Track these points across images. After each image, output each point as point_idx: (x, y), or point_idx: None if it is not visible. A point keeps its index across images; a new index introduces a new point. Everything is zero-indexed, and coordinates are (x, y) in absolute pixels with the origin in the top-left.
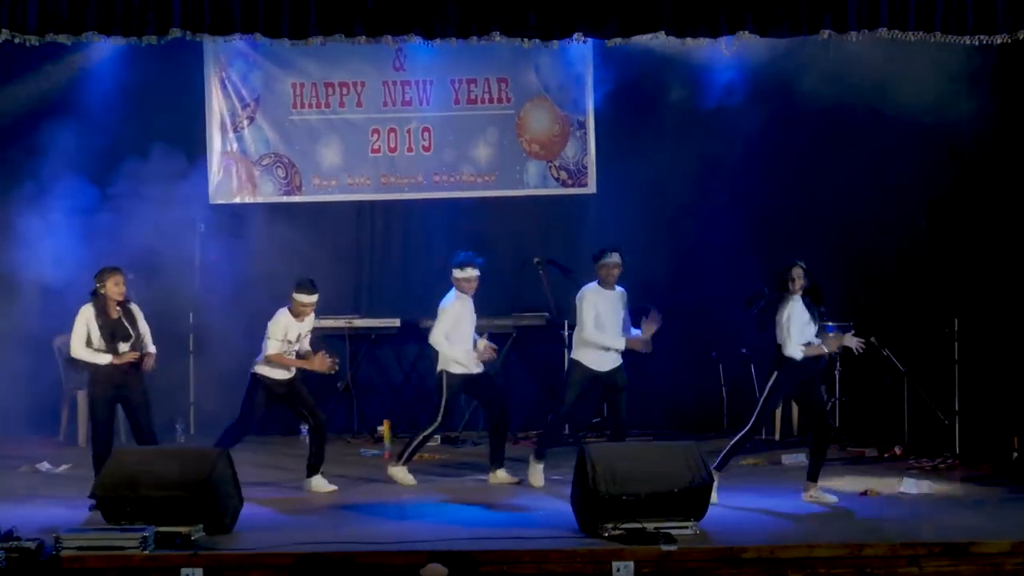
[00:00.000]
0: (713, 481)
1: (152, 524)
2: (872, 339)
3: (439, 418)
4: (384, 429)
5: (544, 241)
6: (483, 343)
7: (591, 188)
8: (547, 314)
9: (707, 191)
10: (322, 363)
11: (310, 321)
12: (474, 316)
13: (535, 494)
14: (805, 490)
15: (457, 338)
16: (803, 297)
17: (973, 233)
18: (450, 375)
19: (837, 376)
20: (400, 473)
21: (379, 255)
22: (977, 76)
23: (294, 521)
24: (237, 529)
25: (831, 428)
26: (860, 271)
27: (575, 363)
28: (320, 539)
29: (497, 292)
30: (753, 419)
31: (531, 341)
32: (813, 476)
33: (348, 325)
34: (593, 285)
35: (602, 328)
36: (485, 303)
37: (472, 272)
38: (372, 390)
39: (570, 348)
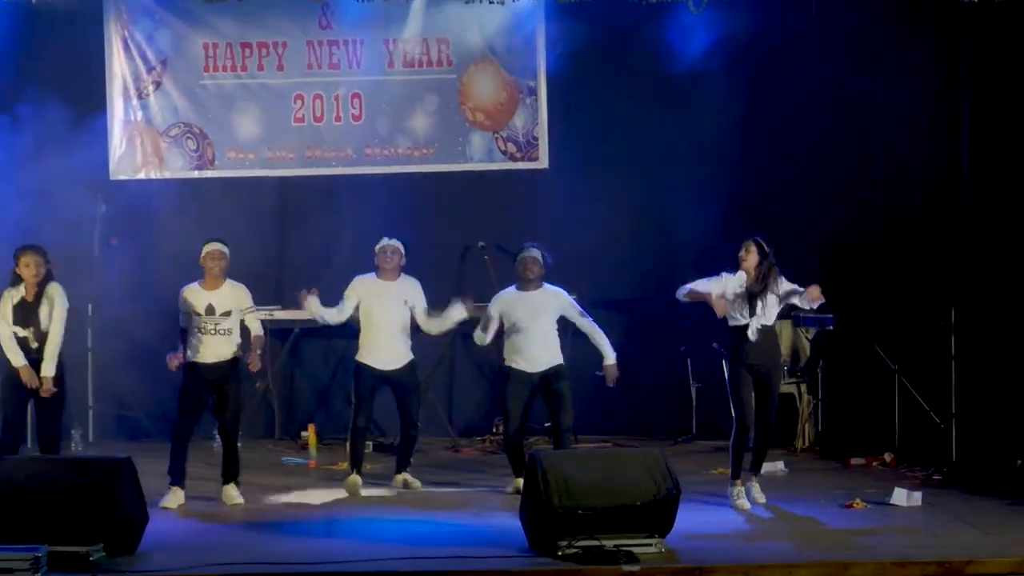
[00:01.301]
0: (680, 493)
1: (45, 543)
2: (861, 334)
3: (352, 413)
4: (309, 435)
5: (490, 223)
6: None
7: (543, 163)
8: None
9: (675, 168)
10: (254, 358)
11: (230, 295)
12: (402, 305)
13: (482, 507)
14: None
15: (366, 325)
16: (761, 277)
17: (973, 215)
18: (359, 366)
19: (820, 374)
20: (403, 478)
21: (303, 239)
22: (978, 41)
23: (206, 538)
24: (142, 548)
25: (770, 427)
26: (846, 257)
27: (508, 371)
28: (235, 559)
29: (437, 281)
30: (734, 417)
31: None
32: (754, 468)
33: (268, 317)
34: (510, 288)
35: (521, 332)
36: (423, 293)
37: (385, 242)
38: (295, 391)
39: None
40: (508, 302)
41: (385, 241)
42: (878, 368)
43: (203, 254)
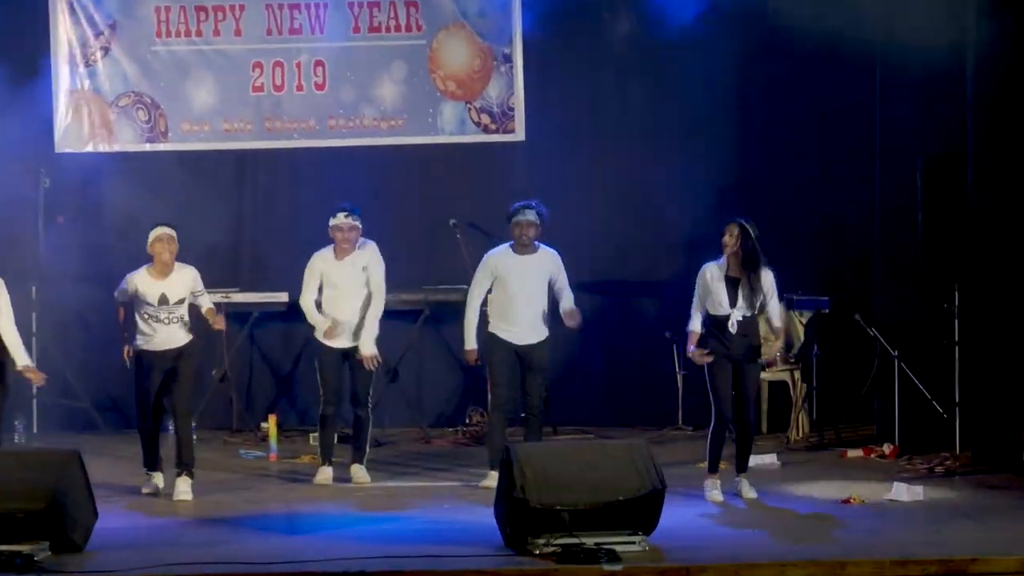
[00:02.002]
0: (665, 487)
1: None
2: (857, 316)
3: (321, 397)
4: (269, 426)
5: (463, 199)
6: (367, 352)
7: (519, 135)
8: (466, 287)
9: (661, 140)
10: (215, 319)
11: (181, 282)
12: (360, 273)
13: (455, 502)
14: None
15: (327, 303)
16: (744, 263)
17: (977, 191)
18: (318, 346)
19: (814, 361)
20: (359, 472)
21: (263, 216)
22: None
23: (160, 536)
24: (90, 547)
25: (749, 424)
26: (843, 235)
27: (491, 338)
28: (190, 559)
29: (405, 261)
30: (713, 410)
31: (448, 319)
32: (739, 468)
33: (225, 300)
34: (503, 247)
35: (511, 298)
36: (391, 274)
37: (342, 219)
38: (254, 378)
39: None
40: (501, 262)
41: (341, 218)
42: (877, 354)
43: (151, 240)
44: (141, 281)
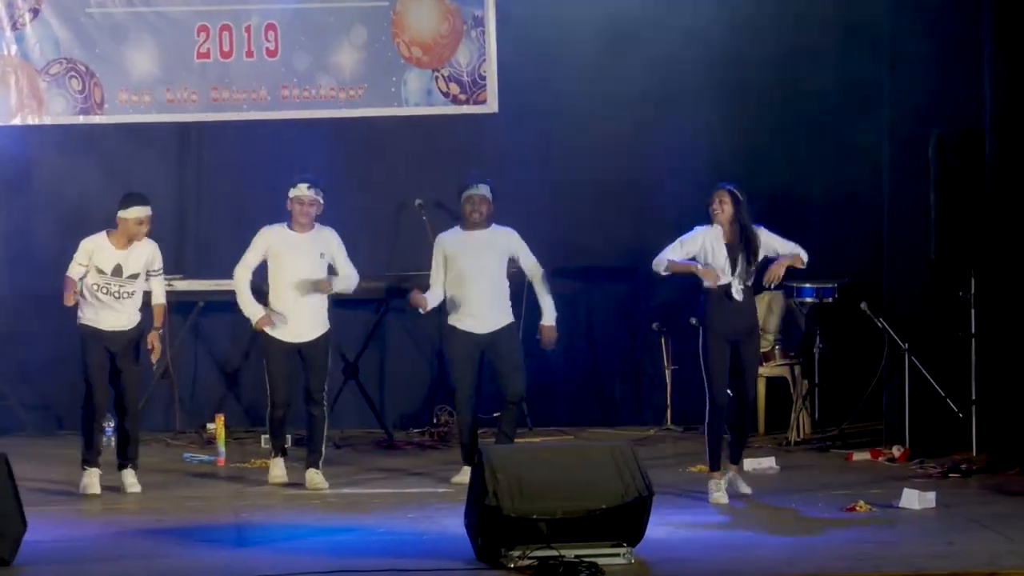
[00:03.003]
0: (653, 494)
1: None
2: (863, 305)
3: (269, 398)
4: (216, 427)
5: (429, 177)
6: None
7: (491, 106)
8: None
9: (649, 111)
10: (154, 343)
11: (141, 253)
12: (318, 259)
13: (421, 510)
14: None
15: (275, 284)
16: (739, 232)
17: (996, 168)
18: (266, 340)
19: (816, 355)
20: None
21: (209, 195)
22: None
23: (97, 548)
24: (18, 562)
25: (749, 407)
26: (848, 217)
27: (450, 332)
28: (131, 573)
29: (367, 245)
30: (708, 395)
31: (413, 309)
32: (732, 458)
33: (168, 288)
34: (455, 228)
35: (464, 280)
36: (351, 259)
37: (304, 190)
38: (200, 375)
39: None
40: (451, 243)
41: (303, 189)
42: (885, 346)
43: (127, 217)
44: (98, 247)
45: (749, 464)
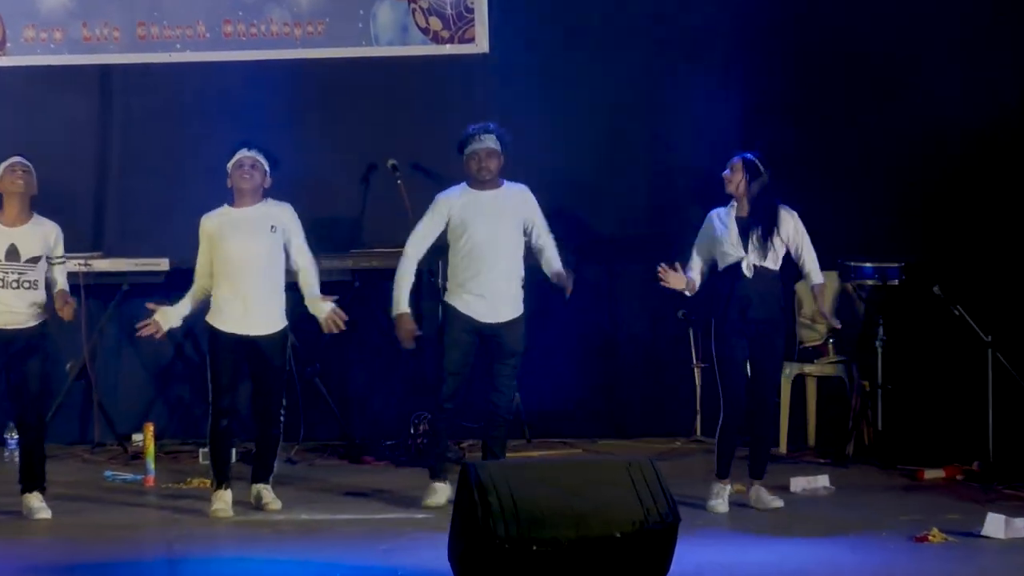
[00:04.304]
0: (679, 520)
1: None
2: (936, 289)
3: (211, 404)
4: (144, 438)
5: (405, 131)
6: (328, 308)
7: (480, 45)
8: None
9: (669, 54)
10: (63, 306)
11: (39, 235)
12: (269, 235)
13: (395, 539)
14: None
15: (221, 272)
16: (755, 206)
17: None
18: (214, 334)
19: (879, 350)
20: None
21: (136, 155)
22: None
23: None
24: None
25: (769, 410)
26: (916, 182)
27: (448, 311)
28: None
29: (329, 216)
30: (722, 396)
31: (385, 293)
32: (757, 473)
33: (84, 269)
34: (458, 186)
35: (479, 252)
36: (309, 235)
37: (243, 153)
38: (123, 376)
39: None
40: (458, 203)
41: (243, 152)
42: (965, 341)
43: None
44: None
45: (798, 484)
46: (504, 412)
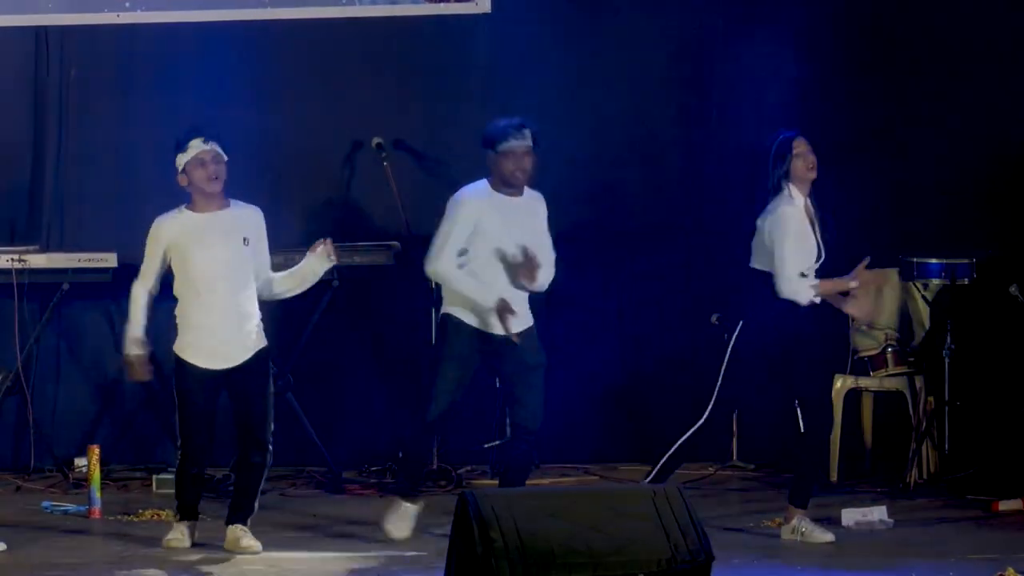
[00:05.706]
0: (713, 558)
1: None
2: (1013, 289)
3: (179, 448)
4: (89, 463)
5: (394, 106)
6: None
7: (482, 4)
8: (397, 243)
9: (708, 21)
10: None
11: None
12: (240, 246)
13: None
14: (785, 521)
15: (185, 290)
16: (810, 197)
17: None
18: (179, 365)
19: (947, 360)
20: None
21: (79, 133)
22: None
23: None
24: None
25: (803, 435)
26: (991, 169)
27: (448, 321)
28: None
29: (303, 206)
30: (708, 409)
31: (369, 295)
32: (794, 500)
33: (19, 265)
34: (481, 186)
35: (491, 263)
36: (276, 227)
37: (200, 145)
38: (64, 389)
39: (439, 302)
40: (485, 207)
41: (199, 145)
42: None
43: None
44: None
45: (850, 516)
46: (526, 432)
